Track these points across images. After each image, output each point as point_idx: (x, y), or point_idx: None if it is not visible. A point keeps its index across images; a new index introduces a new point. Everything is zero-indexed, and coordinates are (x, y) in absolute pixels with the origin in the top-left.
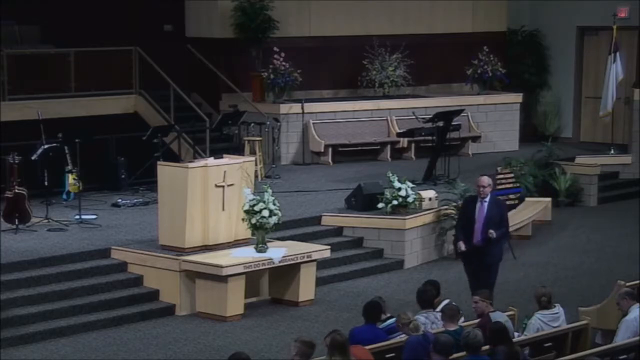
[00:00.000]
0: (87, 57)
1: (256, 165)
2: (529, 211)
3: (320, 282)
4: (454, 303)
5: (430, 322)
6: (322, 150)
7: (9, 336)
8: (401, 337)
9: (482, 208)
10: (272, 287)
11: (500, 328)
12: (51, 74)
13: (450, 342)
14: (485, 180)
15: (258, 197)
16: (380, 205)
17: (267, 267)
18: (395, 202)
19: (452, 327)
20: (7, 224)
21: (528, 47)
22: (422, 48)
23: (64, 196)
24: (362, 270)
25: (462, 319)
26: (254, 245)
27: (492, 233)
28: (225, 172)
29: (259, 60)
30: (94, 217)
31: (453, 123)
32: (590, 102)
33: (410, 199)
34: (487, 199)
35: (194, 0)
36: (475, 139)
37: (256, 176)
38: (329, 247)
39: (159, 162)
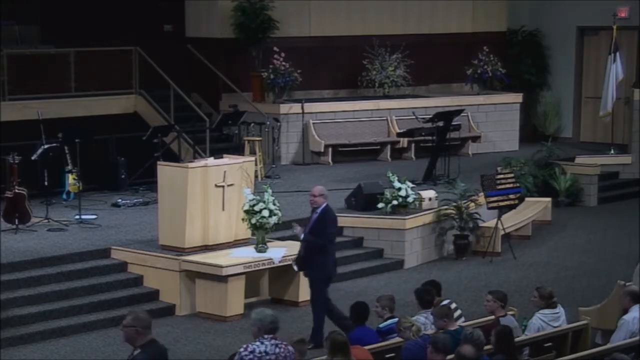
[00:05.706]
0: (87, 57)
1: (256, 165)
2: (529, 211)
3: None
4: (454, 304)
5: (429, 322)
6: (322, 150)
7: (9, 336)
8: (400, 338)
9: (312, 218)
10: (272, 287)
11: (506, 331)
12: (51, 74)
13: (448, 340)
14: (316, 190)
15: (258, 197)
16: (380, 205)
17: (267, 267)
18: (395, 202)
19: (452, 327)
20: (7, 224)
21: (528, 47)
22: (422, 48)
23: (64, 196)
24: (362, 270)
25: (462, 319)
26: (254, 245)
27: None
28: (225, 172)
29: (259, 60)
30: (94, 217)
31: (453, 123)
32: (590, 102)
33: (410, 199)
34: (319, 210)
35: (194, 0)
36: (475, 139)
37: (256, 176)
38: None
39: (159, 162)
